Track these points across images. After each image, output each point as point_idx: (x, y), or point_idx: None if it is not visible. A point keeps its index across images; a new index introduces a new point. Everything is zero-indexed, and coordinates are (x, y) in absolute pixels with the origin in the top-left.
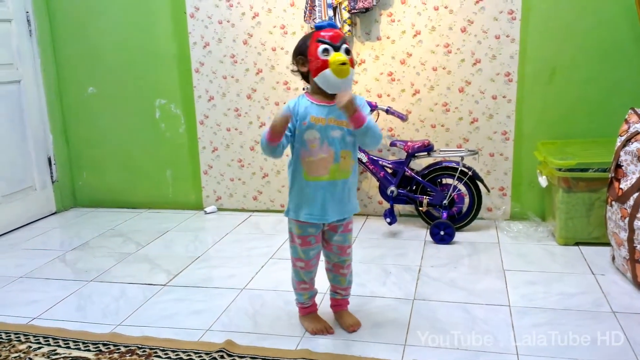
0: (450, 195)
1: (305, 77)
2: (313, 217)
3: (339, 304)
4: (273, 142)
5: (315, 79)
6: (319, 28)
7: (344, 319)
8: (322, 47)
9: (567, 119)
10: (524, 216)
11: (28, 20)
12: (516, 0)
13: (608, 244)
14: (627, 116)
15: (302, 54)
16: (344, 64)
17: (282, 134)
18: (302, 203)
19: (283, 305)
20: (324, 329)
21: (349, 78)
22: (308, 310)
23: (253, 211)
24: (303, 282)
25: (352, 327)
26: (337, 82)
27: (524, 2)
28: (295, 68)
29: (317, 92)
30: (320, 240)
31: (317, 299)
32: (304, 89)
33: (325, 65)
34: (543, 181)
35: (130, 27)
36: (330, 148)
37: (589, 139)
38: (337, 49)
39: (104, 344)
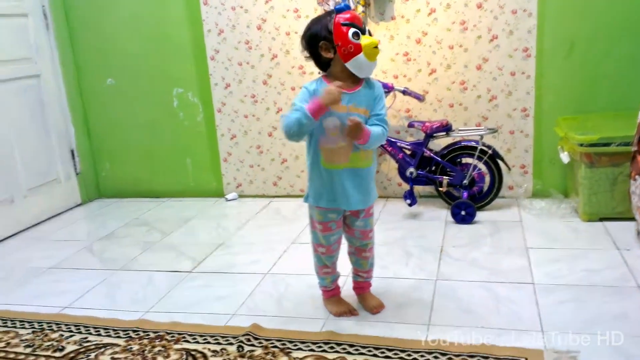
0: (471, 174)
1: (326, 63)
2: (335, 203)
3: (361, 286)
4: (316, 117)
5: (348, 64)
6: (339, 11)
7: (367, 301)
8: (352, 30)
9: (587, 93)
10: (546, 193)
11: (44, 14)
12: None
13: (633, 219)
14: None
15: (325, 39)
16: (376, 47)
17: (328, 108)
18: (321, 190)
19: (306, 288)
20: (348, 311)
21: (376, 61)
22: (331, 294)
23: (273, 197)
24: (325, 266)
25: (375, 308)
26: (370, 65)
27: None
28: (307, 54)
29: (338, 78)
30: (341, 225)
31: (340, 282)
32: (319, 73)
33: (359, 49)
34: (565, 157)
35: (145, 16)
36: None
37: (610, 113)
38: (363, 32)
39: (134, 330)
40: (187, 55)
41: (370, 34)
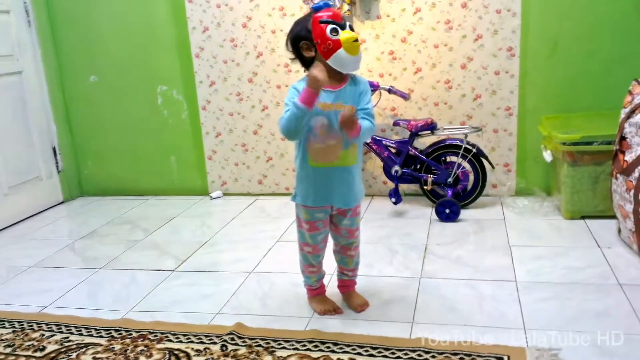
0: (455, 173)
1: (309, 62)
2: (324, 201)
3: (346, 285)
4: (310, 104)
5: (329, 61)
6: (317, 9)
7: (352, 300)
8: (330, 27)
9: (570, 93)
10: (530, 191)
11: (26, 11)
12: None
13: (614, 217)
14: (630, 88)
15: (305, 39)
16: (356, 40)
17: (318, 90)
18: (310, 189)
19: (291, 287)
20: (332, 310)
21: (360, 55)
22: (316, 292)
23: (258, 195)
24: (311, 265)
25: (360, 307)
26: (351, 60)
27: None
28: (292, 56)
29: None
30: (327, 224)
31: (325, 280)
32: (305, 72)
33: (338, 45)
34: (548, 156)
35: (129, 13)
36: (338, 134)
37: (593, 112)
38: (343, 27)
39: (116, 330)
40: (172, 52)
41: (352, 29)
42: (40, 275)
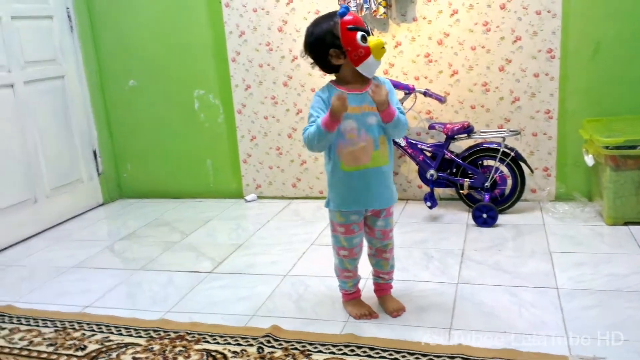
0: (492, 177)
1: (334, 68)
2: (359, 204)
3: (382, 288)
4: (332, 129)
5: (359, 68)
6: (342, 15)
7: (387, 304)
8: (359, 34)
9: (613, 95)
10: (570, 197)
11: (69, 17)
12: None
13: None
14: None
15: (333, 46)
16: (383, 47)
17: (340, 117)
18: (344, 194)
19: (326, 290)
20: (368, 314)
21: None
22: (352, 296)
23: (292, 198)
24: (347, 270)
25: (396, 311)
26: (377, 64)
27: None
28: (311, 60)
29: (348, 80)
30: (362, 227)
31: (360, 284)
32: (324, 75)
33: (368, 52)
34: (589, 160)
35: (167, 19)
36: (368, 135)
37: (637, 115)
38: (369, 33)
39: (155, 330)
40: (209, 57)
41: (372, 32)
42: (81, 275)
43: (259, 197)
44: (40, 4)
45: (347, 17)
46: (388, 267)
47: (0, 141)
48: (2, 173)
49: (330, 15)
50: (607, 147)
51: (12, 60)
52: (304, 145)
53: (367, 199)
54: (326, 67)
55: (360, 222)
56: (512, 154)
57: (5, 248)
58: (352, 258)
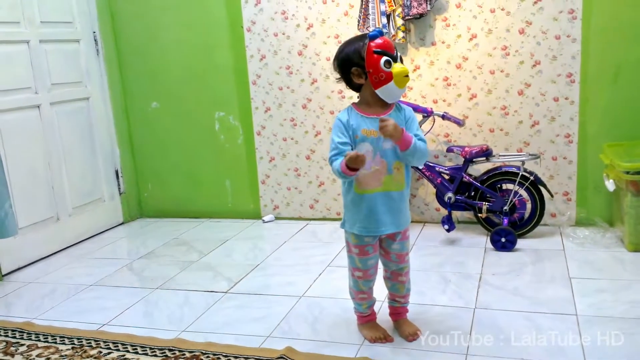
0: (511, 201)
1: (357, 87)
2: (368, 230)
3: (398, 312)
4: (351, 175)
5: (378, 91)
6: (372, 38)
7: (403, 328)
8: (384, 59)
9: (634, 120)
10: (591, 222)
11: (95, 40)
12: None
13: None
14: None
15: (357, 65)
16: (407, 75)
17: (354, 172)
18: (356, 216)
19: (341, 312)
20: (383, 337)
21: (405, 87)
22: (367, 319)
23: (310, 219)
24: (361, 291)
25: (411, 336)
26: (399, 92)
27: (585, 1)
28: (338, 76)
29: (368, 103)
30: (377, 249)
31: (376, 307)
32: (358, 97)
33: (389, 78)
34: (610, 185)
35: (190, 43)
36: (382, 160)
37: None
38: (395, 60)
39: (170, 349)
40: (230, 80)
41: (401, 60)
42: (100, 293)
43: (277, 218)
44: (68, 28)
45: (377, 41)
46: (404, 290)
47: (26, 160)
48: (27, 192)
49: (363, 37)
50: (627, 172)
51: (39, 82)
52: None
53: (373, 223)
54: (350, 85)
55: (375, 244)
56: (532, 177)
57: (27, 265)
58: (366, 279)
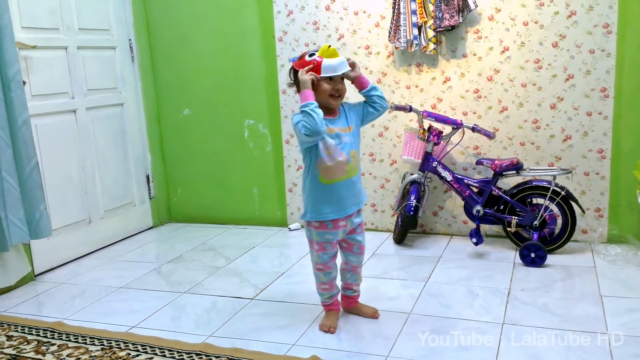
0: (542, 215)
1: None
2: (339, 214)
3: (353, 299)
4: (310, 97)
5: (322, 74)
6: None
7: (364, 310)
8: (306, 56)
9: None
10: (623, 239)
11: (130, 47)
12: (612, 14)
13: None
14: None
15: (293, 81)
16: (329, 46)
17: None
18: (321, 204)
19: (367, 323)
20: (328, 327)
21: (342, 56)
22: (329, 308)
23: None
24: (322, 283)
25: (375, 313)
26: (340, 61)
27: (620, 15)
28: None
29: (321, 107)
30: (336, 245)
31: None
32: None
33: (319, 62)
34: None
35: (222, 52)
36: (342, 151)
37: None
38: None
39: (197, 354)
40: (260, 88)
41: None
42: (129, 296)
43: (303, 226)
44: (104, 35)
45: (296, 62)
46: (360, 279)
47: (62, 164)
48: (61, 194)
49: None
50: None
51: (75, 87)
52: (306, 135)
53: (344, 206)
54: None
55: (333, 241)
56: (563, 192)
57: (59, 266)
58: (326, 272)
